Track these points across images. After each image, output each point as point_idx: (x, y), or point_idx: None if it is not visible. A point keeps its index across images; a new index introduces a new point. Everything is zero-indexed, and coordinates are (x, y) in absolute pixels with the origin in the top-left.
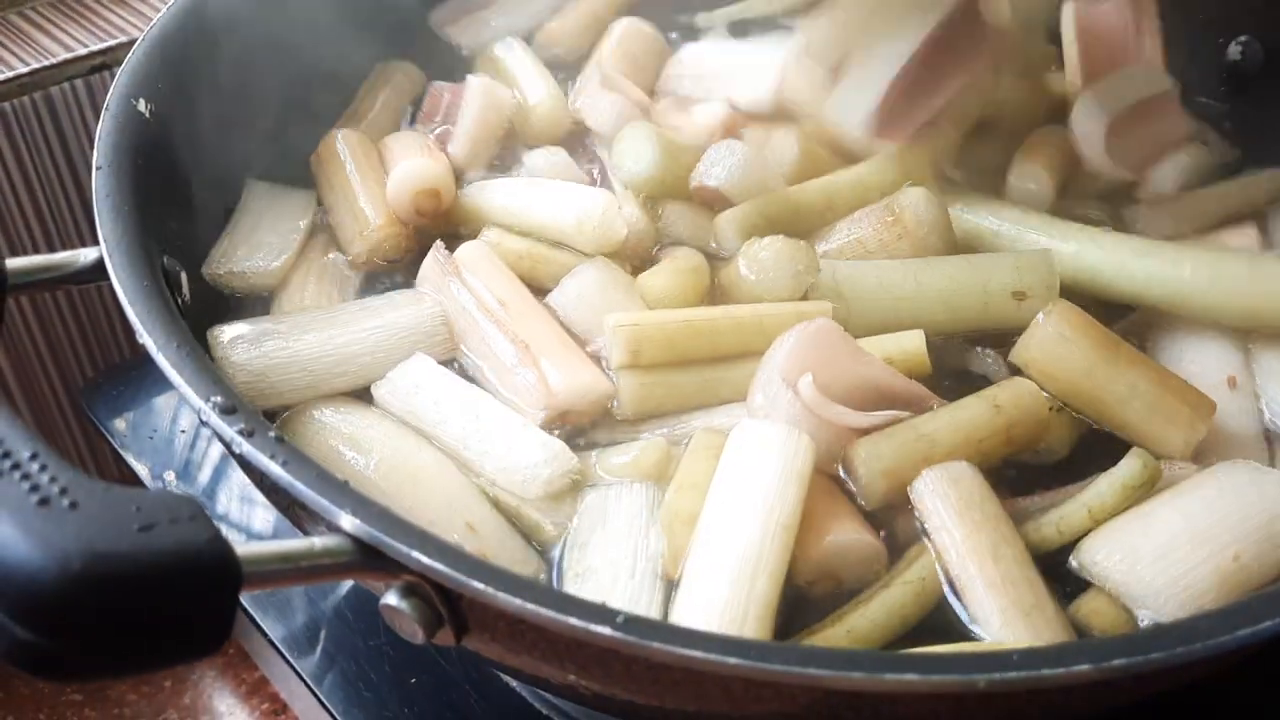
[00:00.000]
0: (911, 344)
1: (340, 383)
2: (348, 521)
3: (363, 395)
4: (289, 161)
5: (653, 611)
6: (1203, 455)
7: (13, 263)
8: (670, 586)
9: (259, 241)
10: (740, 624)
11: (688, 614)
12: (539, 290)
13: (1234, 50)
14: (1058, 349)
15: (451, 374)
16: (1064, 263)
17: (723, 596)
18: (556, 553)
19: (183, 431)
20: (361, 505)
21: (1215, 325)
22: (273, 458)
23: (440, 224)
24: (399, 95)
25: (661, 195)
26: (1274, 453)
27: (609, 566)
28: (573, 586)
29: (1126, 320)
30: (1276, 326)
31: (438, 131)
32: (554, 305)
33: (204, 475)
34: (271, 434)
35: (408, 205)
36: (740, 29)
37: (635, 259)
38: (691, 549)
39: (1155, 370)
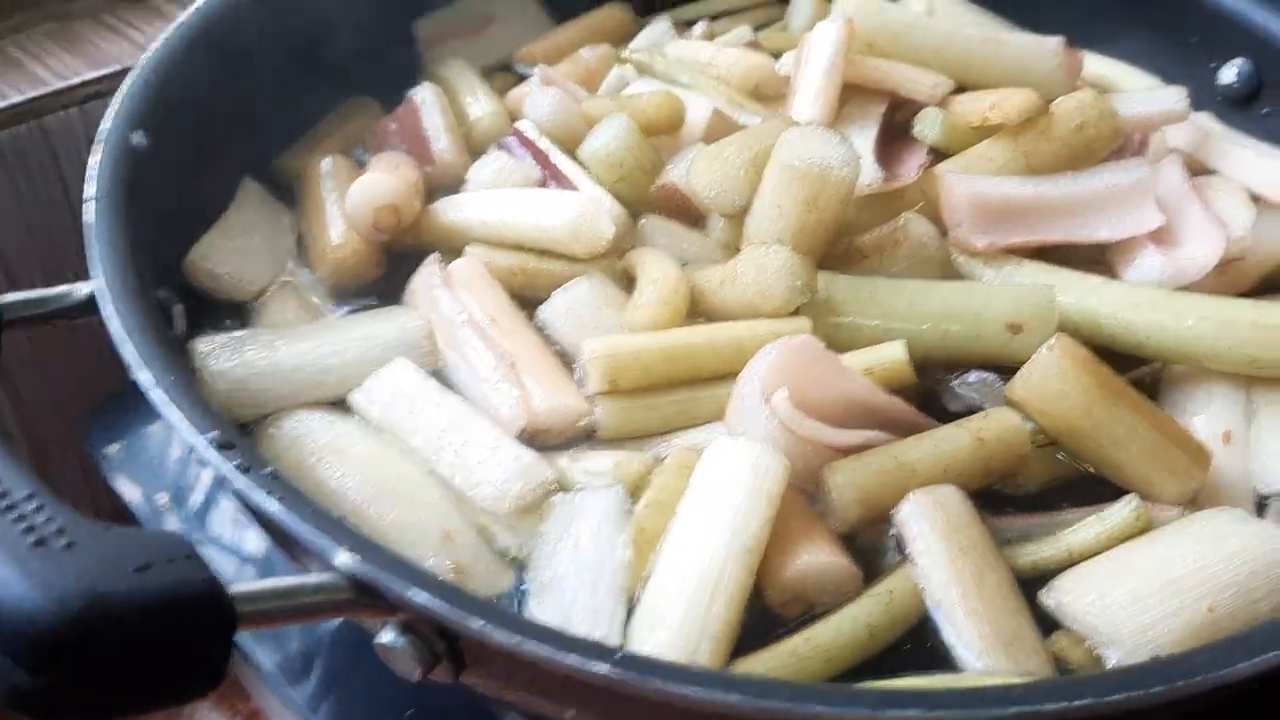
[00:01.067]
0: (892, 354)
1: (320, 392)
2: (343, 559)
3: (343, 405)
4: (278, 188)
5: (614, 628)
6: (1190, 506)
7: (5, 298)
8: (634, 602)
9: (246, 248)
10: (694, 646)
11: (643, 633)
12: (532, 303)
13: (1226, 73)
14: (1059, 385)
15: (431, 381)
16: (1065, 311)
17: (679, 616)
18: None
19: (175, 456)
20: (357, 543)
21: (1221, 376)
22: (269, 494)
23: (409, 242)
24: (358, 128)
25: (630, 187)
26: (1261, 514)
27: (572, 578)
28: (535, 601)
29: (1137, 370)
30: (1278, 372)
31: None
32: (543, 319)
33: (196, 498)
34: (266, 470)
35: (367, 222)
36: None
37: (618, 254)
38: (654, 566)
39: (1156, 415)
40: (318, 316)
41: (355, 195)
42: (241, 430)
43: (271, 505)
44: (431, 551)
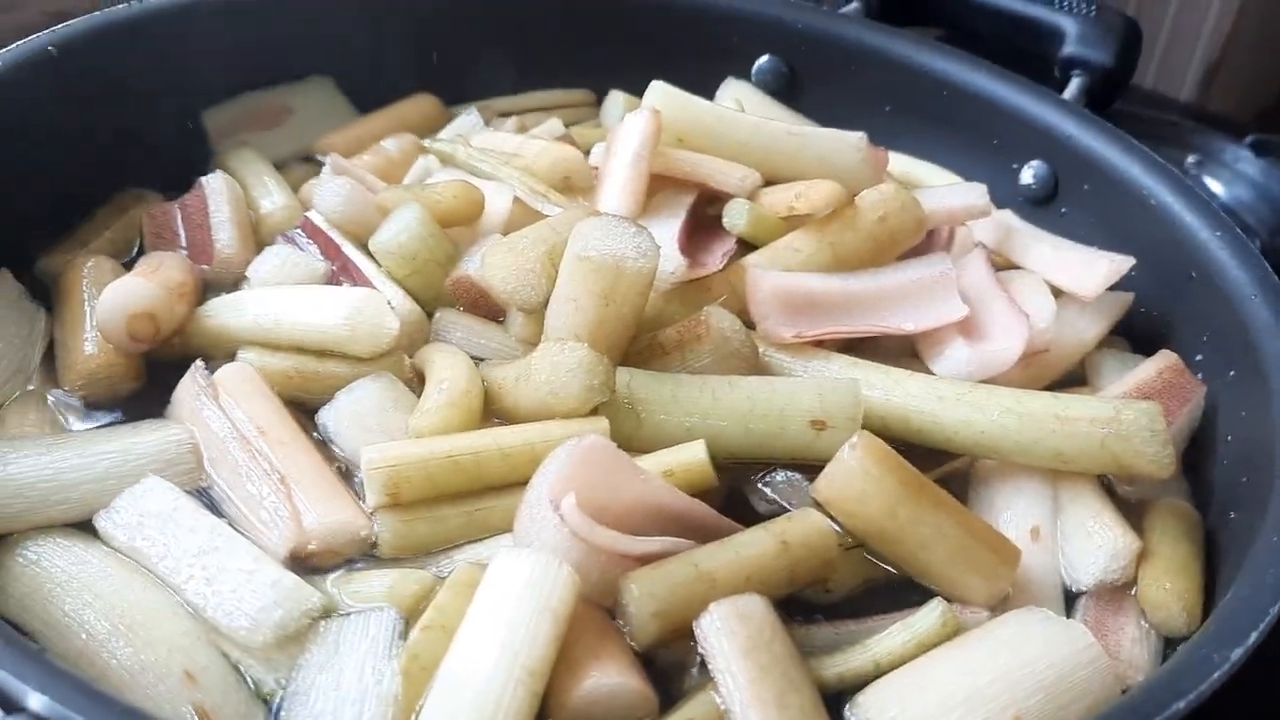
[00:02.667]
0: (692, 455)
1: (60, 511)
2: (36, 701)
3: (89, 526)
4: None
5: None
6: (1000, 605)
7: None
8: None
9: None
10: None
11: None
12: (314, 406)
13: (1026, 174)
14: (862, 485)
15: (188, 502)
16: (872, 406)
17: None
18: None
19: None
20: (52, 683)
21: (1028, 471)
22: None
23: (177, 348)
24: (137, 224)
25: (424, 280)
26: (1071, 609)
27: (330, 716)
28: None
29: (947, 465)
30: (1083, 466)
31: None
32: (325, 424)
33: None
34: None
35: (120, 332)
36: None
37: (411, 351)
38: (427, 697)
39: (961, 514)
40: (61, 430)
41: (107, 302)
42: None
43: None
44: (170, 694)
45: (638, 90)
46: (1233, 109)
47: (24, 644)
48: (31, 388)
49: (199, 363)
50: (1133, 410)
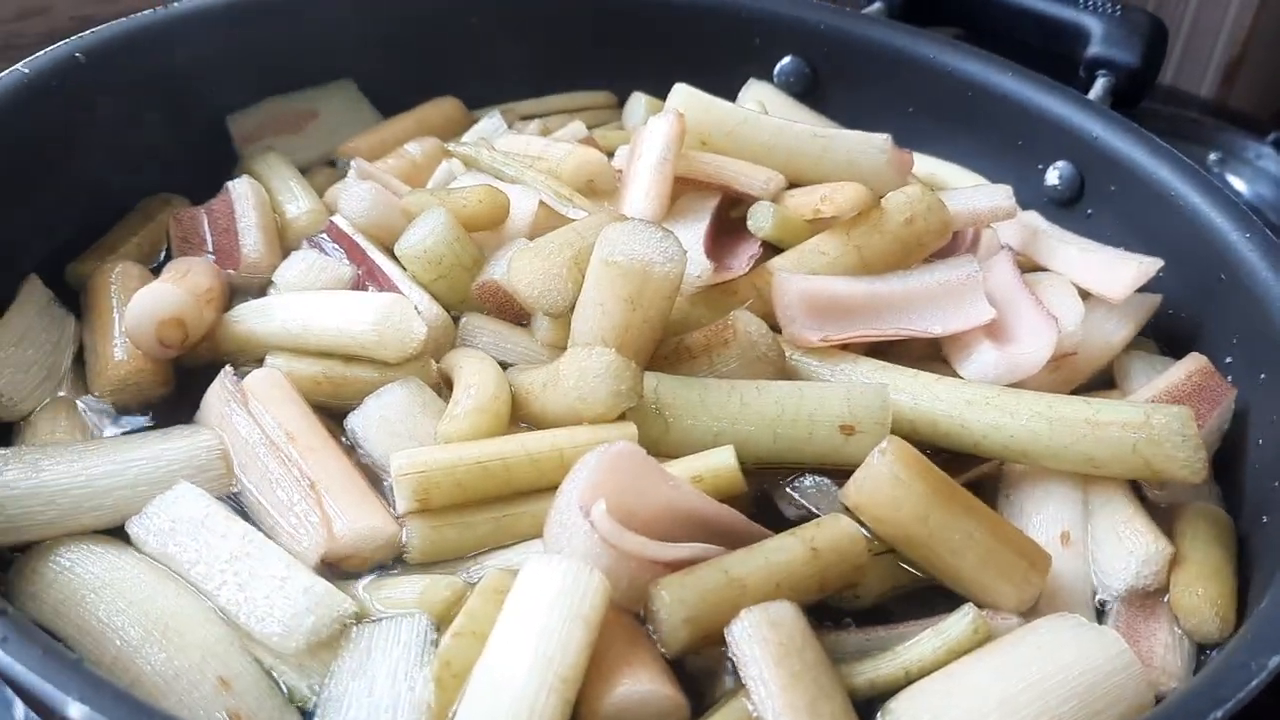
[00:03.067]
0: (721, 461)
1: (93, 518)
2: (76, 710)
3: (121, 533)
4: (69, 293)
5: None
6: (1030, 610)
7: None
8: None
9: (21, 360)
10: None
11: None
12: (342, 412)
13: (1051, 175)
14: (892, 491)
15: (219, 508)
16: (900, 410)
17: None
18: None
19: None
20: (93, 693)
21: (1058, 475)
22: None
23: (206, 355)
24: (159, 228)
25: (450, 285)
26: (1103, 615)
27: None
28: None
29: (976, 470)
30: (1114, 471)
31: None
32: (354, 429)
33: None
34: None
35: (150, 339)
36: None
37: (437, 355)
38: (460, 704)
39: (992, 520)
40: (92, 436)
41: (136, 308)
42: None
43: None
44: (204, 700)
45: (658, 92)
46: (1254, 105)
47: (63, 652)
48: (62, 394)
49: (228, 368)
50: (1164, 415)
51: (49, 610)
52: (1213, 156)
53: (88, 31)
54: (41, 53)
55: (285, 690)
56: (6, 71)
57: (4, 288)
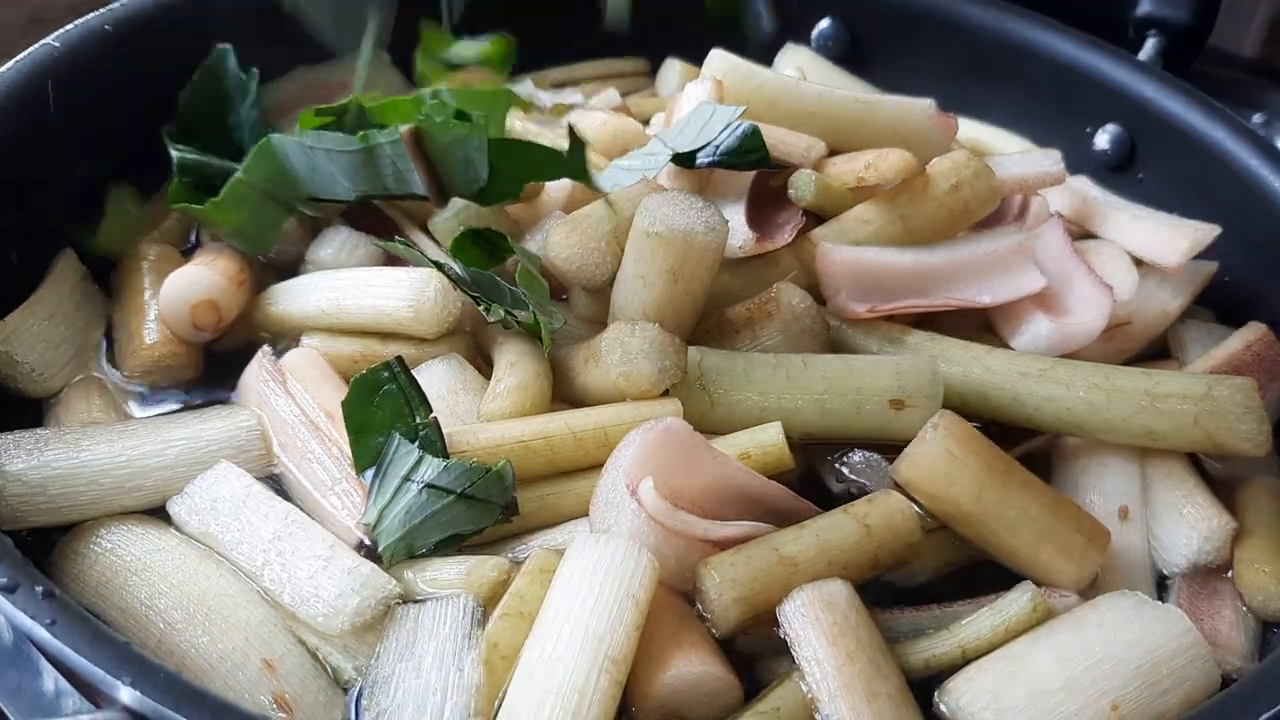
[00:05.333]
0: (768, 437)
1: (134, 499)
2: (128, 695)
3: (161, 513)
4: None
5: None
6: (1089, 588)
7: None
8: None
9: (54, 336)
10: None
11: None
12: None
13: (1101, 139)
14: (945, 468)
15: (259, 487)
16: (950, 383)
17: None
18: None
19: None
20: (144, 676)
21: (1115, 449)
22: (35, 618)
23: (240, 336)
24: None
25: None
26: (1164, 592)
27: (413, 707)
28: None
29: (1027, 444)
30: (1175, 444)
31: None
32: None
33: None
34: (39, 589)
35: (184, 321)
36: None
37: (475, 331)
38: (509, 686)
39: (1049, 495)
40: (125, 416)
41: (169, 292)
42: (37, 544)
43: (41, 633)
44: (249, 683)
45: (692, 58)
46: None
47: (112, 636)
48: (94, 372)
49: (266, 349)
50: (1227, 386)
51: (90, 591)
52: (1257, 118)
53: (116, 4)
54: (70, 25)
55: (330, 671)
56: (37, 45)
57: (38, 262)
